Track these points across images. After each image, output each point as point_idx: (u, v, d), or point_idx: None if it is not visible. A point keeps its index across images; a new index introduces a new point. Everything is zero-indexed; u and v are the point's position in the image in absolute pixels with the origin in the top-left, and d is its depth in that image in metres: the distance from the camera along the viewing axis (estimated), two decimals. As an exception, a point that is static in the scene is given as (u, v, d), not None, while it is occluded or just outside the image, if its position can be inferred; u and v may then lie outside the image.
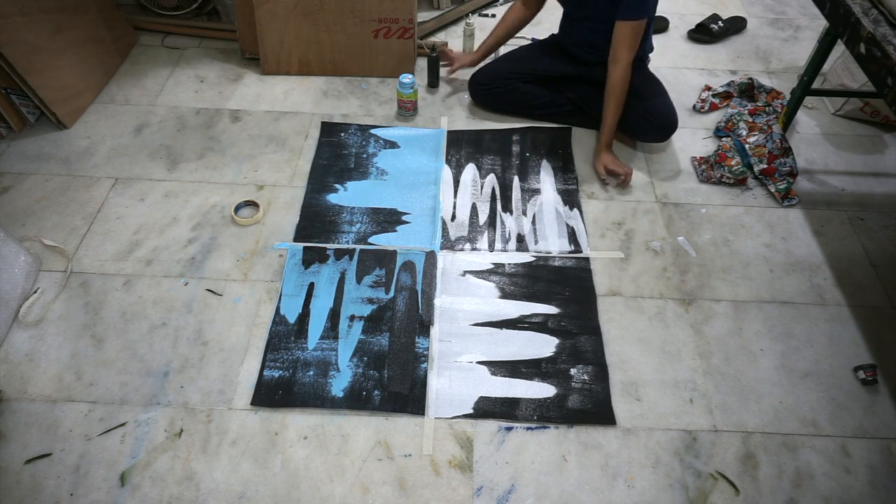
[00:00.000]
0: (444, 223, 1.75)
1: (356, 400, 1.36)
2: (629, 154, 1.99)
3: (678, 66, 2.38)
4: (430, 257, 1.64)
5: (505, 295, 1.58)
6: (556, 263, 1.66)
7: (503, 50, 2.19)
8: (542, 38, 2.14)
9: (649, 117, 1.87)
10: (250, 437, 1.30)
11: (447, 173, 1.89)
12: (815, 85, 1.93)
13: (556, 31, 2.06)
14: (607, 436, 1.33)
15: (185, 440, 1.30)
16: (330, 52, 2.20)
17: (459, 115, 2.11)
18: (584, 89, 1.99)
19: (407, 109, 2.06)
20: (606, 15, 1.77)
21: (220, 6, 2.42)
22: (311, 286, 1.57)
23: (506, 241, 1.71)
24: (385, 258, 1.65)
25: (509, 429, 1.34)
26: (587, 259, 1.67)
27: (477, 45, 2.25)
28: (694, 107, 2.18)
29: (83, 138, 1.96)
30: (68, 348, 1.44)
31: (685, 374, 1.44)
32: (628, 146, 2.01)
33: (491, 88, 2.04)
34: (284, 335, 1.47)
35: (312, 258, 1.64)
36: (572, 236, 1.73)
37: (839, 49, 2.06)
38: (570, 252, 1.68)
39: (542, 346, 1.48)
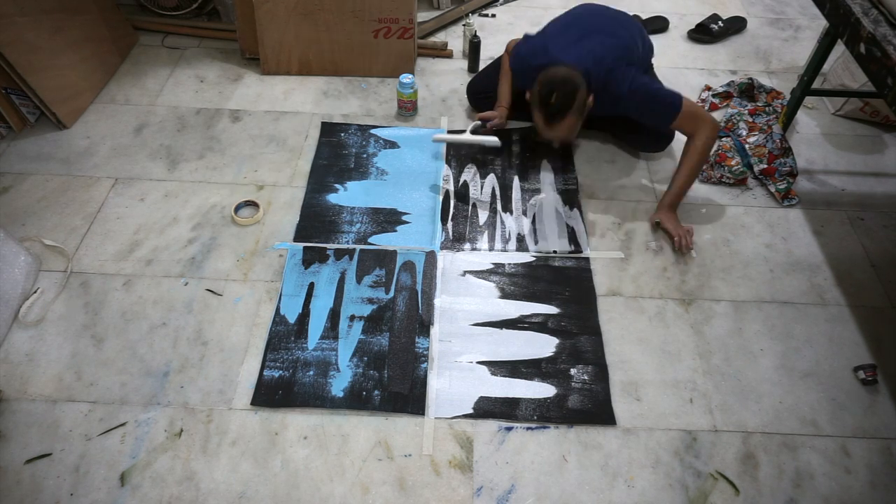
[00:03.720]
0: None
1: (356, 400, 1.36)
2: (630, 153, 1.99)
3: (678, 66, 2.38)
4: (430, 257, 1.64)
5: (505, 295, 1.58)
6: (556, 263, 1.66)
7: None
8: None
9: (647, 130, 1.86)
10: (250, 437, 1.30)
11: (447, 173, 1.89)
12: (815, 85, 1.93)
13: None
14: (607, 436, 1.33)
15: (185, 440, 1.29)
16: (330, 52, 2.20)
17: (459, 115, 2.11)
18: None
19: (407, 109, 2.06)
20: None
21: (220, 6, 2.42)
22: (311, 286, 1.57)
23: (506, 241, 1.71)
24: (385, 258, 1.65)
25: (509, 429, 1.34)
26: (587, 259, 1.67)
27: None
28: (694, 107, 2.18)
29: (83, 138, 1.96)
30: (68, 348, 1.44)
31: (685, 374, 1.44)
32: (629, 151, 2.01)
33: (489, 95, 2.03)
34: (284, 335, 1.47)
35: (312, 258, 1.64)
36: (572, 236, 1.72)
37: (839, 49, 2.06)
38: (570, 252, 1.68)
39: (542, 346, 1.48)
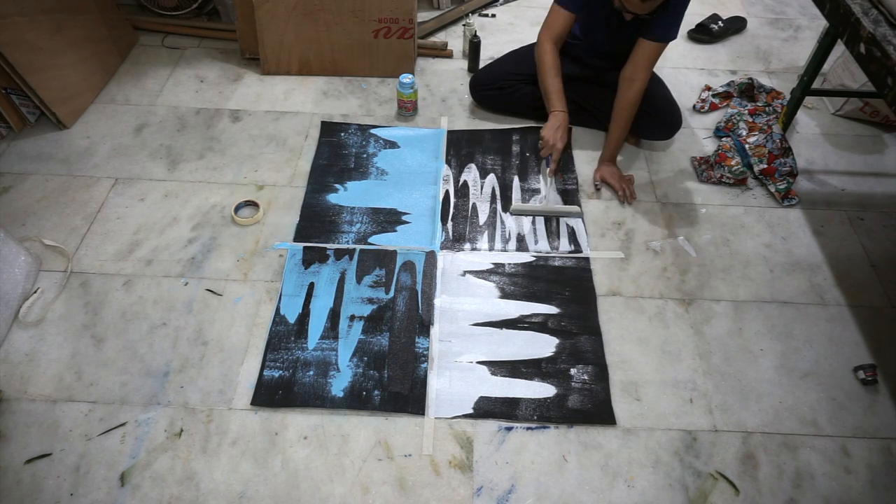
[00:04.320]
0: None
1: (356, 400, 1.36)
2: (632, 153, 1.99)
3: (678, 66, 2.38)
4: (430, 257, 1.64)
5: (505, 295, 1.58)
6: (556, 263, 1.66)
7: (505, 49, 2.19)
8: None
9: (655, 115, 1.87)
10: (250, 437, 1.30)
11: (447, 173, 1.89)
12: (815, 85, 1.93)
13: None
14: (607, 436, 1.33)
15: (185, 440, 1.30)
16: (330, 52, 2.20)
17: (459, 115, 2.11)
18: (587, 89, 1.98)
19: (407, 109, 2.06)
20: (612, 42, 1.79)
21: (220, 6, 2.42)
22: (311, 286, 1.57)
23: (506, 241, 1.71)
24: (385, 258, 1.65)
25: (509, 429, 1.34)
26: (587, 259, 1.67)
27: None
28: (694, 107, 2.18)
29: (83, 138, 1.96)
30: (68, 348, 1.44)
31: (685, 374, 1.44)
32: (631, 144, 2.01)
33: (492, 89, 2.04)
34: (284, 335, 1.47)
35: (312, 258, 1.64)
36: (572, 236, 1.72)
37: (839, 49, 2.06)
38: (570, 252, 1.68)
39: (542, 346, 1.48)
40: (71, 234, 1.68)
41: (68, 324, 1.48)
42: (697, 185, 1.90)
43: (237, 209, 1.75)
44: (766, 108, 2.10)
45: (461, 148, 1.98)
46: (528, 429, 1.34)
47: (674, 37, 1.71)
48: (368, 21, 2.13)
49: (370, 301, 1.55)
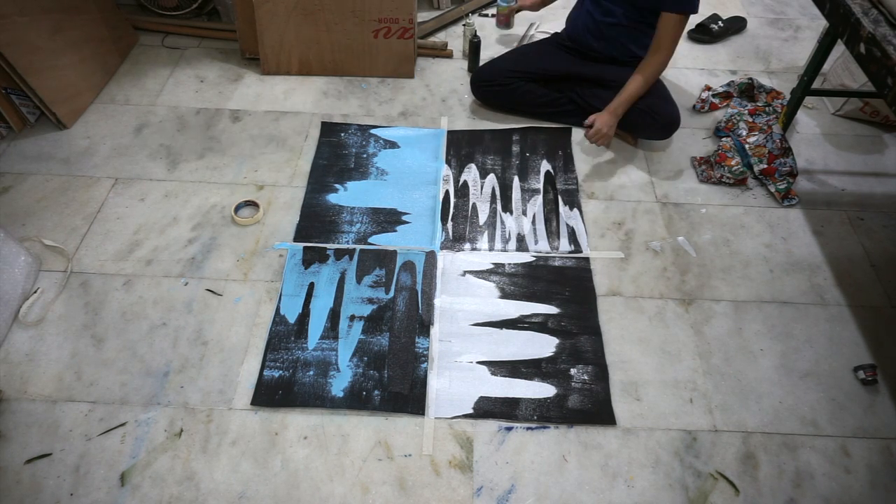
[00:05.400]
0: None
1: (356, 400, 1.36)
2: (631, 153, 1.99)
3: (678, 66, 2.38)
4: (430, 257, 1.64)
5: (505, 295, 1.58)
6: (556, 263, 1.66)
7: (505, 48, 2.19)
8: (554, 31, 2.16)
9: (653, 114, 1.87)
10: (250, 437, 1.30)
11: (447, 173, 1.89)
12: (815, 85, 1.93)
13: (561, 27, 2.07)
14: (607, 436, 1.33)
15: (185, 440, 1.30)
16: (330, 52, 2.20)
17: (459, 115, 2.11)
18: (587, 89, 1.98)
19: (500, 21, 2.07)
20: (599, 41, 1.80)
21: (220, 6, 2.42)
22: (311, 286, 1.57)
23: (506, 241, 1.71)
24: (385, 258, 1.65)
25: (509, 429, 1.34)
26: (587, 259, 1.67)
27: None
28: (694, 107, 2.18)
29: (83, 138, 1.96)
30: (68, 348, 1.44)
31: (685, 374, 1.44)
32: (630, 144, 2.01)
33: (493, 86, 2.04)
34: (284, 335, 1.47)
35: (312, 258, 1.64)
36: (572, 236, 1.72)
37: (839, 49, 2.06)
38: (570, 252, 1.68)
39: (542, 346, 1.48)
40: (71, 234, 1.68)
41: (68, 324, 1.48)
42: (697, 185, 1.90)
43: (237, 209, 1.75)
44: (766, 108, 2.10)
45: (461, 148, 1.98)
46: (528, 429, 1.34)
47: (694, 10, 1.71)
48: (368, 21, 2.13)
49: (370, 301, 1.55)
